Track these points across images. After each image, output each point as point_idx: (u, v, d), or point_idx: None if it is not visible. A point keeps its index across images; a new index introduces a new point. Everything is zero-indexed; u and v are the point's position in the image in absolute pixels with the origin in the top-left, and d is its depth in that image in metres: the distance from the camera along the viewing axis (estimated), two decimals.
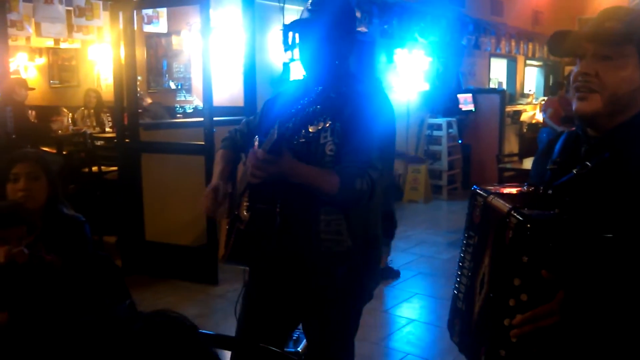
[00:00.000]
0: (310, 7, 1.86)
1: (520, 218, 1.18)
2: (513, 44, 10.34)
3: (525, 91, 11.95)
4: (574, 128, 1.42)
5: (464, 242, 1.42)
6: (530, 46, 10.91)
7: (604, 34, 1.26)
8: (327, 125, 1.49)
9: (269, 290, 2.01)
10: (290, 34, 5.09)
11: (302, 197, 1.80)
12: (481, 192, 1.36)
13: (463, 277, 1.41)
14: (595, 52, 1.26)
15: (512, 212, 1.20)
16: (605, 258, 1.13)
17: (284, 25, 5.36)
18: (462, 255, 1.43)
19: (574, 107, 1.30)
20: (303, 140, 1.53)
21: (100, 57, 8.52)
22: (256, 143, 1.76)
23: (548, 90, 11.09)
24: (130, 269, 4.79)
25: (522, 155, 7.89)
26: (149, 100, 6.64)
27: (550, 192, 1.29)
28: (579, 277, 1.14)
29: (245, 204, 1.85)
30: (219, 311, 4.20)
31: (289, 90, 2.05)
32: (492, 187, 1.37)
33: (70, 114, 7.58)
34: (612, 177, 1.22)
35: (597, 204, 1.20)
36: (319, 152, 1.79)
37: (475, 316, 1.33)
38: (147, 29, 6.70)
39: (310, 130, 1.49)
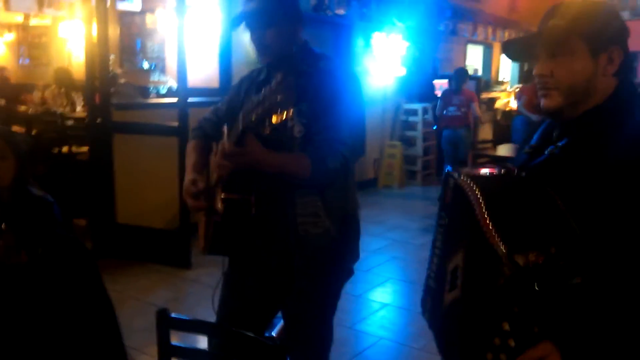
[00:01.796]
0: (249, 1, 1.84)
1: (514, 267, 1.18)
2: (490, 31, 10.39)
3: (500, 79, 12.04)
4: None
5: (437, 222, 1.45)
6: (507, 33, 10.97)
7: (548, 35, 1.31)
8: (290, 113, 1.49)
9: (249, 277, 1.99)
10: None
11: (276, 183, 1.80)
12: (453, 173, 1.37)
13: (435, 256, 1.44)
14: (546, 53, 1.32)
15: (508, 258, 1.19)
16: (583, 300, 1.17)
17: (230, 23, 5.23)
18: (435, 235, 1.46)
19: (541, 105, 1.37)
20: (268, 131, 1.54)
21: (72, 35, 8.33)
22: (225, 132, 1.74)
23: (522, 78, 11.19)
24: (102, 252, 4.72)
25: (496, 142, 7.96)
26: (123, 80, 6.52)
27: (524, 174, 1.33)
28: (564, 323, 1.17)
29: (219, 195, 1.83)
30: (192, 294, 4.17)
31: (252, 75, 2.03)
32: (466, 170, 1.39)
33: (40, 92, 7.40)
34: (581, 159, 1.27)
35: (568, 185, 1.24)
36: (286, 136, 1.78)
37: (446, 306, 1.36)
38: (121, 6, 6.56)
39: (273, 121, 1.49)
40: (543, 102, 1.35)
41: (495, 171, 1.37)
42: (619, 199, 1.19)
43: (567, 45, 1.29)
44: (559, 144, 1.33)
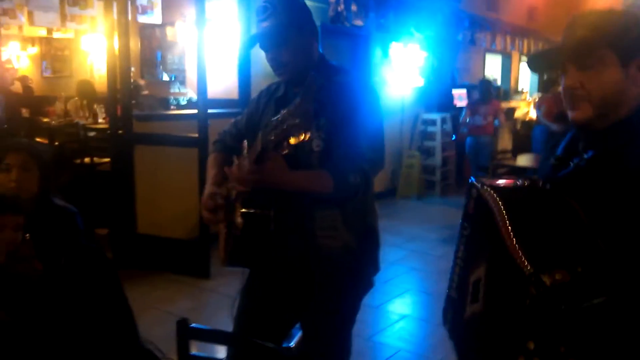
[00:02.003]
0: (261, 18, 1.86)
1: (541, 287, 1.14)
2: (508, 40, 10.35)
3: (519, 88, 11.97)
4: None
5: (460, 231, 1.44)
6: (525, 42, 10.92)
7: (576, 46, 1.29)
8: (308, 136, 1.51)
9: (268, 288, 2.00)
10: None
11: (295, 198, 1.80)
12: (476, 184, 1.37)
13: (457, 266, 1.43)
14: (574, 64, 1.30)
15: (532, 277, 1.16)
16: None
17: (245, 44, 5.24)
18: (457, 245, 1.45)
19: (569, 117, 1.34)
20: (286, 152, 1.56)
21: (94, 48, 8.47)
22: (245, 147, 1.76)
23: (541, 87, 11.10)
24: (122, 262, 4.77)
25: (516, 152, 7.90)
26: (146, 92, 6.60)
27: (548, 186, 1.31)
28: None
29: (239, 209, 1.85)
30: (211, 304, 4.19)
31: (271, 89, 2.04)
32: (490, 180, 1.38)
33: (62, 104, 7.53)
34: (608, 171, 1.24)
35: (593, 198, 1.21)
36: (305, 151, 1.78)
37: (467, 318, 1.35)
38: (142, 19, 6.65)
39: (292, 142, 1.51)
40: (573, 114, 1.32)
41: (519, 182, 1.36)
42: None
43: (597, 56, 1.27)
44: (585, 156, 1.31)
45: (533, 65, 1.44)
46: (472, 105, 7.88)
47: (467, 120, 7.78)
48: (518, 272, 1.15)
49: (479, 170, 7.67)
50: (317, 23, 1.97)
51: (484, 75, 10.45)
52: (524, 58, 11.94)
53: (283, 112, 1.54)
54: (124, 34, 4.72)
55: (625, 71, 1.27)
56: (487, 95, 7.77)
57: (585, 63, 1.28)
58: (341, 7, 6.77)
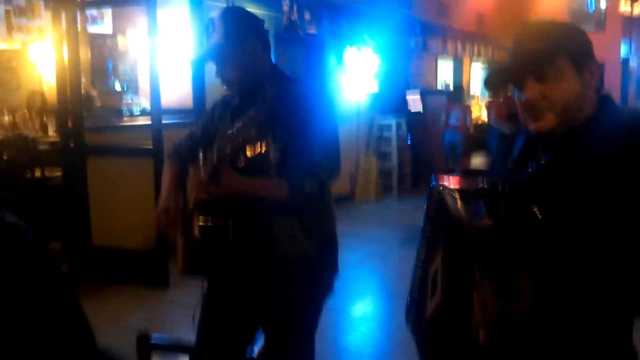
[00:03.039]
0: (208, 34, 1.89)
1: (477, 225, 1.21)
2: (459, 45, 10.56)
3: (471, 92, 12.22)
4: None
5: (421, 235, 1.47)
6: (476, 47, 11.17)
7: (533, 59, 1.31)
8: (264, 147, 1.54)
9: (229, 297, 2.00)
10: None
11: (253, 207, 1.82)
12: (437, 186, 1.40)
13: (419, 268, 1.46)
14: (533, 76, 1.31)
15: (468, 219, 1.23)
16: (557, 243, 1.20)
17: (196, 62, 5.22)
18: (419, 247, 1.48)
19: (531, 128, 1.35)
20: (242, 163, 1.59)
21: (42, 58, 8.25)
22: (200, 157, 1.76)
23: (490, 91, 11.38)
24: (78, 275, 4.65)
25: (469, 153, 8.09)
26: (98, 103, 6.47)
27: (507, 189, 1.34)
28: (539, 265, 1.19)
29: (196, 221, 1.85)
30: (171, 315, 4.13)
31: (225, 100, 2.05)
32: (450, 182, 1.41)
33: (10, 117, 7.30)
34: (564, 176, 1.27)
35: (550, 202, 1.24)
36: (263, 161, 1.80)
37: (429, 313, 1.37)
38: (92, 29, 6.53)
39: (248, 155, 1.54)
40: (535, 125, 1.33)
41: (479, 185, 1.39)
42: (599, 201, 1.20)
43: (555, 66, 1.29)
44: (543, 160, 1.34)
45: (490, 84, 1.46)
46: (447, 108, 8.94)
47: (442, 119, 8.83)
48: (463, 236, 1.20)
49: (455, 161, 8.70)
50: (271, 32, 1.99)
51: (435, 79, 10.66)
52: (475, 62, 12.23)
53: (238, 124, 1.55)
54: (74, 44, 4.63)
55: (581, 78, 1.31)
56: (459, 99, 9.00)
57: (544, 74, 1.30)
58: (295, 16, 6.80)
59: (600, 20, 12.37)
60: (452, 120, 8.78)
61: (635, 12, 10.60)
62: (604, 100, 1.36)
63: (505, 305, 1.16)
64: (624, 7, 10.60)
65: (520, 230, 1.20)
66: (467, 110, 9.08)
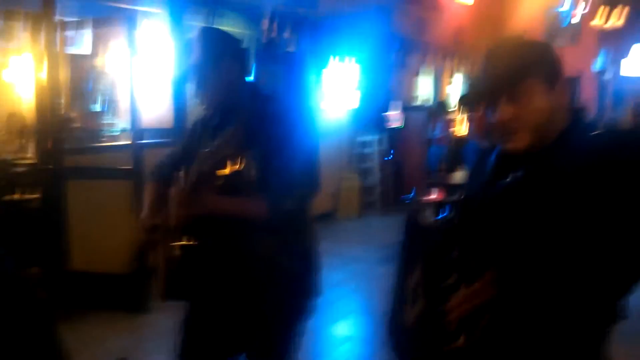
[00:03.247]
0: (187, 54, 1.91)
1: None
2: (438, 61, 10.68)
3: (451, 106, 12.33)
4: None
5: (400, 249, 1.50)
6: (455, 62, 11.30)
7: (505, 80, 1.32)
8: (242, 165, 1.55)
9: (209, 320, 1.98)
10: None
11: (233, 226, 1.82)
12: (414, 201, 1.43)
13: (397, 285, 1.49)
14: (505, 96, 1.32)
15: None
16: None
17: (178, 81, 5.27)
18: (398, 262, 1.50)
19: (505, 147, 1.37)
20: (222, 182, 1.60)
21: (21, 79, 8.17)
22: (181, 177, 1.76)
23: (466, 107, 11.50)
24: (57, 301, 4.57)
25: (449, 169, 8.13)
26: (77, 124, 6.41)
27: (477, 204, 1.36)
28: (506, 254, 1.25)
29: (176, 240, 1.83)
30: (151, 340, 4.07)
31: (205, 119, 2.06)
32: (424, 197, 1.46)
33: None
34: (536, 190, 1.29)
35: (521, 216, 1.28)
36: (242, 180, 1.79)
37: (409, 324, 1.41)
38: (70, 50, 6.48)
39: (226, 172, 1.55)
40: (508, 145, 1.35)
41: (454, 198, 1.42)
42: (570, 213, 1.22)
43: (527, 85, 1.30)
44: (516, 175, 1.35)
45: (464, 103, 1.51)
46: (432, 123, 9.35)
47: (428, 134, 9.22)
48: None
49: (438, 175, 8.77)
50: (251, 50, 2.01)
51: (415, 94, 10.75)
52: (455, 76, 12.36)
53: (216, 142, 1.55)
54: (53, 66, 4.60)
55: (552, 96, 1.32)
56: (442, 114, 9.27)
57: (516, 95, 1.31)
58: (274, 34, 6.84)
59: (576, 33, 12.60)
60: (437, 134, 9.01)
61: (610, 24, 10.83)
62: (576, 113, 1.38)
63: (472, 295, 1.23)
64: (599, 20, 10.82)
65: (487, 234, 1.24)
66: (450, 124, 9.30)
